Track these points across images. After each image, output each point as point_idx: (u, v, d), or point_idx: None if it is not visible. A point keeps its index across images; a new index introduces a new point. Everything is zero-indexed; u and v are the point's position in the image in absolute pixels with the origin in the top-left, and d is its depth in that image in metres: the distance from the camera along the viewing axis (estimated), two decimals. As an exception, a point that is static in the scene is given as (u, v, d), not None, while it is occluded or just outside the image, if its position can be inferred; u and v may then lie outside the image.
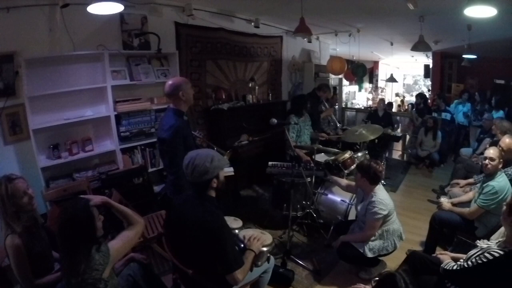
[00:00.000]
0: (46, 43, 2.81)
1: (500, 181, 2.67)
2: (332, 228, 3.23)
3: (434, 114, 6.53)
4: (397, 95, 12.97)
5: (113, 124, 3.27)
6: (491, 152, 2.69)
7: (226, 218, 2.20)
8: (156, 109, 3.64)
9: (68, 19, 2.82)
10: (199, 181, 1.74)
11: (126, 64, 3.42)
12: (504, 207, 1.78)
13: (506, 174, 2.79)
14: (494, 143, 3.47)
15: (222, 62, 4.63)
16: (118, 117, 3.35)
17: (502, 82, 7.88)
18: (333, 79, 7.32)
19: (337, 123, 5.36)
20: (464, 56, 6.10)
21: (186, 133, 2.42)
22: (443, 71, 9.17)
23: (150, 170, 3.64)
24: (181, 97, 2.37)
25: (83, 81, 3.06)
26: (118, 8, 2.64)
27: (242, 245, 1.98)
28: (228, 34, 4.56)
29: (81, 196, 1.70)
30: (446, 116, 6.52)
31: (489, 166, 2.68)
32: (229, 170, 3.44)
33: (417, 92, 9.75)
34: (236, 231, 2.17)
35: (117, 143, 3.33)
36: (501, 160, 2.69)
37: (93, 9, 2.60)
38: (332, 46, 7.24)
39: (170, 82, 2.39)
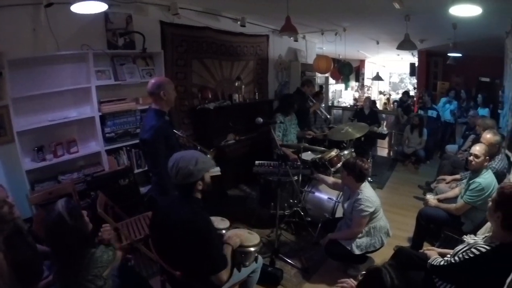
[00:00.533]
0: (30, 43, 2.79)
1: (486, 177, 2.74)
2: (319, 226, 3.30)
3: (420, 112, 6.76)
4: (381, 93, 13.24)
5: (97, 125, 3.27)
6: (477, 149, 2.78)
7: (213, 218, 2.23)
8: (141, 109, 3.63)
9: (52, 19, 2.80)
10: (184, 184, 1.75)
11: (110, 64, 3.41)
12: (490, 203, 1.80)
13: (490, 168, 2.89)
14: (477, 140, 3.58)
15: (208, 61, 4.65)
16: (103, 118, 3.33)
17: (487, 80, 8.10)
18: (319, 77, 7.48)
19: (327, 115, 5.45)
20: (450, 54, 6.24)
21: (168, 133, 2.44)
22: (428, 69, 9.43)
23: (136, 171, 3.64)
24: (162, 97, 2.38)
25: (67, 81, 3.04)
26: (102, 7, 2.64)
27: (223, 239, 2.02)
28: (214, 33, 4.58)
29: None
30: (432, 113, 6.73)
31: (473, 162, 2.76)
32: (215, 170, 3.44)
33: (403, 90, 10.05)
34: (223, 231, 2.18)
35: (102, 144, 3.32)
36: (487, 157, 2.77)
37: (77, 8, 2.60)
38: (318, 45, 7.34)
39: (153, 80, 2.43)
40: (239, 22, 4.77)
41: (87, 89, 3.17)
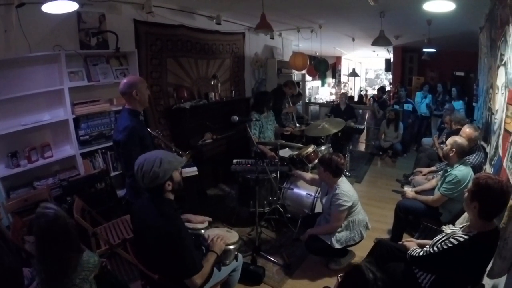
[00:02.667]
0: (1, 45, 2.79)
1: (462, 170, 2.89)
2: (299, 222, 3.45)
3: (396, 106, 7.20)
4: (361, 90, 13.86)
5: (71, 128, 3.29)
6: (448, 140, 3.02)
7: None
8: (115, 110, 3.69)
9: (24, 20, 2.81)
10: (152, 186, 1.75)
11: (83, 64, 3.45)
12: (466, 194, 1.86)
13: (468, 162, 3.06)
14: (451, 134, 3.83)
15: (183, 60, 4.75)
16: (77, 120, 3.37)
17: (462, 74, 8.70)
18: (296, 74, 7.73)
19: (296, 123, 5.57)
20: (424, 50, 6.60)
21: (143, 133, 2.44)
22: (404, 65, 9.99)
23: (112, 174, 3.69)
24: (135, 96, 2.39)
25: (39, 84, 3.06)
26: (73, 6, 2.72)
27: (207, 245, 2.05)
28: (189, 31, 4.69)
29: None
30: (408, 107, 7.16)
31: (450, 153, 2.94)
32: (192, 170, 3.56)
33: (379, 86, 10.56)
34: (202, 231, 2.23)
35: (76, 148, 3.35)
36: (453, 149, 2.92)
37: (48, 8, 2.67)
38: (294, 43, 7.59)
39: (125, 80, 2.43)
40: (214, 20, 4.88)
41: (60, 91, 3.19)
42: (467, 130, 3.45)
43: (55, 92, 3.19)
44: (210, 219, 2.43)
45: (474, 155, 3.42)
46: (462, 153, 2.94)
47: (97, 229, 2.77)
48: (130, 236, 2.71)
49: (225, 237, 2.12)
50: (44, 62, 3.11)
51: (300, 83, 8.20)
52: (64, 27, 3.22)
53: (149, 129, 2.96)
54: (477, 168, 3.28)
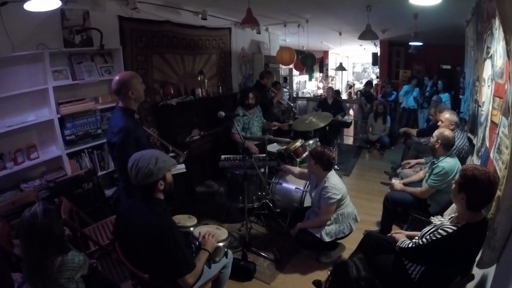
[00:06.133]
0: None
1: (449, 161, 2.97)
2: (289, 216, 3.53)
3: (381, 99, 7.43)
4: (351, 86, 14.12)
5: (57, 128, 3.30)
6: (435, 132, 3.12)
7: (180, 216, 2.38)
8: (101, 108, 3.72)
9: (6, 18, 2.80)
10: (144, 184, 1.77)
11: (68, 63, 3.45)
12: (454, 185, 1.89)
13: (454, 154, 3.12)
14: (435, 126, 3.97)
15: (169, 56, 4.78)
16: (62, 120, 3.37)
17: (448, 67, 8.97)
18: (283, 69, 7.86)
19: (290, 104, 5.74)
20: (411, 43, 6.74)
21: (139, 134, 2.37)
22: (390, 59, 10.22)
23: (99, 173, 3.71)
24: (131, 96, 2.31)
25: (23, 84, 3.05)
26: (56, 4, 2.71)
27: (198, 243, 2.09)
28: (174, 27, 4.71)
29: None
30: (392, 96, 7.56)
31: (436, 145, 3.03)
32: (180, 167, 3.57)
33: (367, 80, 10.79)
34: (191, 228, 2.26)
35: (62, 148, 3.36)
36: (438, 140, 3.01)
37: (30, 6, 2.66)
38: (281, 37, 7.66)
39: (117, 78, 2.31)
40: (200, 16, 4.91)
41: (44, 91, 3.19)
42: (446, 115, 3.61)
43: (39, 91, 3.19)
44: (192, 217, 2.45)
45: (459, 136, 3.52)
46: (447, 145, 3.02)
47: (86, 230, 2.79)
48: (113, 237, 2.69)
49: (216, 234, 2.17)
50: (28, 61, 3.10)
51: (288, 77, 8.33)
52: (47, 25, 3.21)
53: (144, 127, 2.93)
54: (461, 153, 3.44)
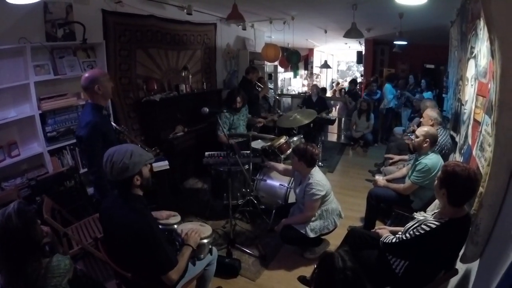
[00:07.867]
0: None
1: (432, 158, 3.04)
2: (273, 212, 3.59)
3: (366, 98, 7.60)
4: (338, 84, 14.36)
5: (38, 124, 3.26)
6: (419, 130, 3.18)
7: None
8: (83, 104, 3.63)
9: None
10: (120, 179, 1.76)
11: (50, 57, 3.41)
12: (436, 181, 1.96)
13: (437, 150, 3.19)
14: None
15: (153, 51, 4.77)
16: (43, 116, 3.33)
17: (432, 66, 9.26)
18: (268, 66, 7.93)
19: (276, 97, 5.89)
20: (396, 42, 6.93)
21: (107, 129, 2.47)
22: (375, 57, 10.49)
23: (81, 171, 3.67)
24: (97, 91, 2.42)
25: (4, 79, 2.99)
26: (37, -4, 2.72)
27: (181, 239, 2.09)
28: (159, 21, 4.70)
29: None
30: (377, 95, 7.73)
31: (413, 141, 3.13)
32: (163, 164, 3.60)
33: (351, 78, 11.01)
34: (175, 226, 2.27)
35: (44, 145, 3.32)
36: (426, 139, 3.06)
37: (12, -1, 2.66)
38: (267, 34, 7.77)
39: (86, 74, 2.44)
40: (185, 10, 4.91)
41: (26, 86, 3.14)
42: (427, 112, 3.75)
43: (20, 87, 3.14)
44: (176, 213, 2.47)
45: (441, 134, 3.61)
46: (434, 141, 3.12)
47: (68, 229, 2.77)
48: (102, 235, 2.65)
49: (199, 231, 2.18)
50: (9, 55, 3.05)
51: (273, 74, 8.41)
52: (29, 19, 3.17)
53: (114, 124, 2.98)
54: (443, 149, 3.54)
